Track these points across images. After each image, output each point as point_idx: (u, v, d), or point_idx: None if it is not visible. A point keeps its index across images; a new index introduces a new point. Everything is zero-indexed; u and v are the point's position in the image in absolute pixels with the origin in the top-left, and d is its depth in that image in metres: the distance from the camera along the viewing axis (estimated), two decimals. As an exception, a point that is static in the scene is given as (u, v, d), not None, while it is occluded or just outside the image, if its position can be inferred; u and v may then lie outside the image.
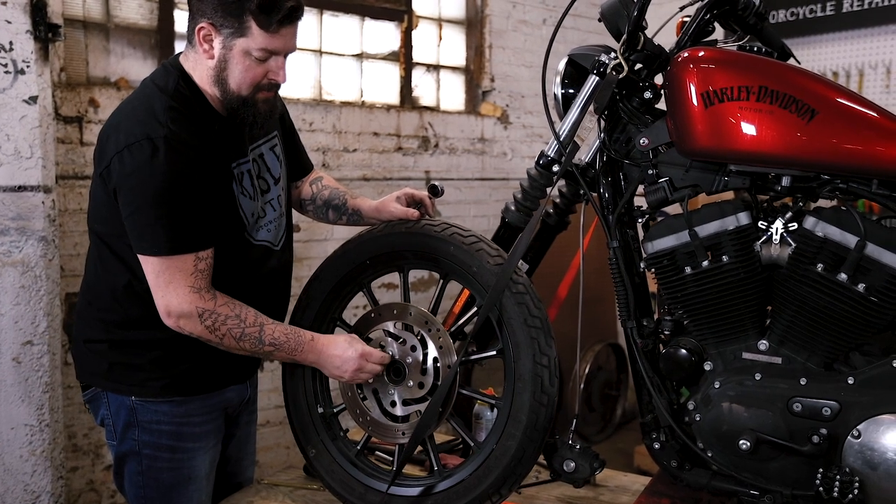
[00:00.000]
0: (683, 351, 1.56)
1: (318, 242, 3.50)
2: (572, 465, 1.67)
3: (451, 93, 4.19)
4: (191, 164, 1.51)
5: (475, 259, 1.64)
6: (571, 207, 1.82)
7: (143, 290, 1.58)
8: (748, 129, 1.44)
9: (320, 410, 1.83)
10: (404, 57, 3.93)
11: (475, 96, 4.23)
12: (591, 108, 1.63)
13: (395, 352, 1.70)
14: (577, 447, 1.68)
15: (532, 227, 1.62)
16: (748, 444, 1.39)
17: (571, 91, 1.71)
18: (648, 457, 3.74)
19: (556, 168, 1.70)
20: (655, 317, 1.68)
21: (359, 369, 1.64)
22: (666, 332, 1.61)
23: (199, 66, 1.59)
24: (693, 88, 1.48)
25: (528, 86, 4.32)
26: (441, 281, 1.74)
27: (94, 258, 1.67)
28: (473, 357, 1.69)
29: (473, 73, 4.22)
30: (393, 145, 3.75)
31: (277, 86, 1.63)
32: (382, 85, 3.90)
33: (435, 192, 1.78)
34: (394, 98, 3.93)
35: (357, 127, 3.62)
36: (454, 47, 4.20)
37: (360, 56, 3.80)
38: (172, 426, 1.67)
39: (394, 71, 3.94)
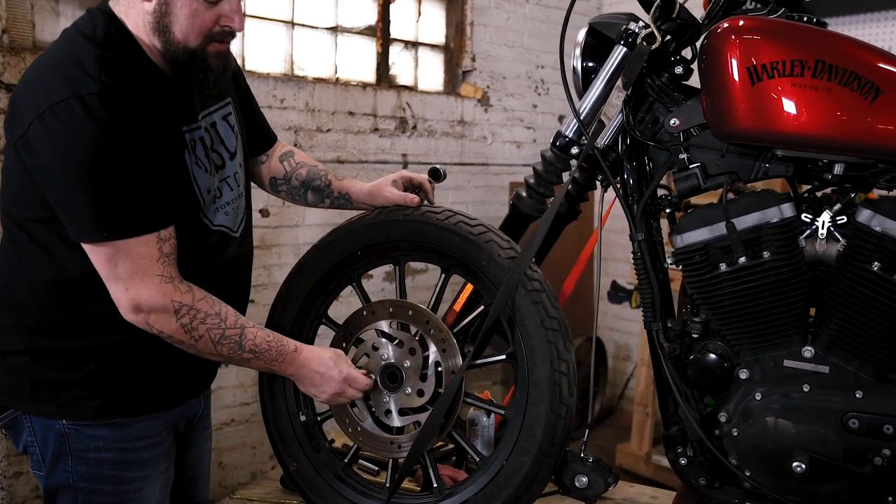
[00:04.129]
0: (715, 356, 1.40)
1: (288, 229, 3.27)
2: (585, 480, 1.50)
3: (429, 72, 3.97)
4: (134, 123, 1.23)
5: (484, 251, 1.46)
6: (584, 195, 1.64)
7: (73, 288, 1.31)
8: (800, 108, 1.28)
9: (303, 418, 1.63)
10: (381, 32, 3.70)
11: (455, 76, 4.02)
12: (619, 83, 1.44)
13: (391, 355, 1.50)
14: (591, 460, 1.51)
15: (550, 216, 1.44)
16: (803, 466, 1.23)
17: (592, 64, 1.53)
18: (631, 455, 3.67)
19: (574, 150, 1.52)
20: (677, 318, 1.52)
21: (339, 393, 1.45)
22: (694, 336, 1.45)
23: (133, 11, 1.30)
24: (735, 63, 1.32)
25: (510, 67, 4.13)
26: (443, 275, 1.55)
27: (9, 250, 1.37)
28: (480, 361, 1.50)
29: (453, 51, 4.01)
30: (369, 126, 3.53)
31: (232, 35, 1.35)
32: (358, 61, 3.66)
33: (437, 175, 1.58)
34: (370, 76, 3.70)
35: (331, 105, 3.38)
36: (434, 24, 3.98)
37: (334, 29, 3.55)
38: (114, 453, 1.37)
39: (370, 47, 3.71)
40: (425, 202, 1.56)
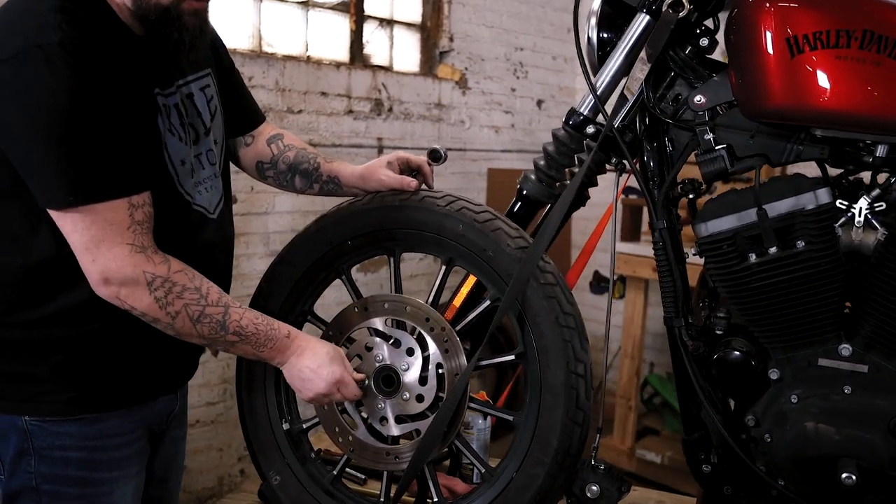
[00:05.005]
0: (741, 355, 1.29)
1: (257, 216, 3.08)
2: (596, 489, 1.37)
3: (405, 52, 3.80)
4: (101, 77, 1.09)
5: (490, 241, 1.31)
6: (594, 180, 1.51)
7: (39, 273, 1.17)
8: (845, 83, 1.16)
9: (285, 426, 1.47)
10: (355, 8, 3.51)
11: (431, 57, 3.85)
12: (643, 55, 1.31)
13: (386, 356, 1.36)
14: (602, 467, 1.39)
15: (567, 201, 1.30)
16: (854, 477, 1.12)
17: (608, 35, 1.39)
18: (613, 450, 3.58)
19: (590, 129, 1.38)
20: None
21: (325, 394, 1.29)
22: (717, 332, 1.34)
23: None
24: (771, 34, 1.19)
25: (489, 48, 3.98)
26: (443, 267, 1.40)
27: None
28: (485, 363, 1.36)
29: (430, 30, 3.84)
30: (343, 107, 3.34)
31: None
32: (330, 39, 3.47)
33: (436, 157, 1.43)
34: (343, 54, 3.51)
35: (303, 85, 3.19)
36: (409, 1, 3.80)
37: (305, 4, 3.35)
38: (82, 452, 1.25)
39: (343, 23, 3.51)
40: (423, 186, 1.41)
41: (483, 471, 1.36)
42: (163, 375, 1.34)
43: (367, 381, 1.34)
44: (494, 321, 1.29)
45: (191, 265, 1.22)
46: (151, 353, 1.27)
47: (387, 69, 3.64)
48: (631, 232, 3.47)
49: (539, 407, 1.29)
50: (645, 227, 3.75)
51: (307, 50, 3.36)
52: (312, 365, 1.27)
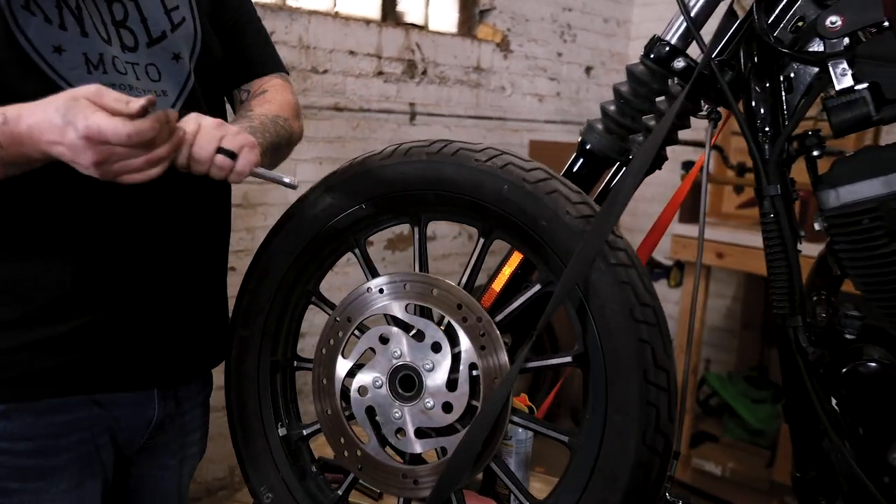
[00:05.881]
0: (882, 367, 0.96)
1: (277, 186, 2.79)
2: (671, 531, 1.07)
3: (442, 9, 3.46)
4: None
5: (544, 207, 1.00)
6: (674, 135, 1.18)
7: None
8: None
9: (282, 431, 1.19)
10: (389, -40, 3.20)
11: (471, 16, 3.51)
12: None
13: (405, 351, 1.06)
14: (675, 501, 1.08)
15: (646, 159, 0.98)
16: None
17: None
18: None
19: (679, 64, 1.05)
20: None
21: (100, 160, 0.85)
22: (848, 337, 1.01)
23: None
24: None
25: (534, 8, 3.63)
26: (482, 240, 1.09)
27: None
28: (534, 364, 1.06)
29: (470, -14, 3.51)
30: (372, 68, 3.03)
31: None
32: (360, -7, 3.17)
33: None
34: (374, 10, 3.19)
35: (329, 42, 2.89)
36: (448, -46, 3.47)
37: (334, -46, 3.05)
38: None
39: (375, -24, 3.21)
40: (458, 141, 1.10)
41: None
42: (109, 357, 1.06)
43: (156, 110, 0.87)
44: (547, 312, 0.98)
45: (129, 218, 0.96)
46: (82, 319, 1.01)
47: (421, 28, 3.31)
48: (690, 211, 3.11)
49: (604, 428, 0.98)
50: (707, 208, 3.39)
51: (335, 5, 3.06)
52: (52, 136, 0.85)
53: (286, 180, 0.99)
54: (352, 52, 2.97)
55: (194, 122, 0.93)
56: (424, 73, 3.22)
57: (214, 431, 3.02)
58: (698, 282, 1.16)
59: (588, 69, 3.98)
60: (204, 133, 0.92)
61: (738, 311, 3.87)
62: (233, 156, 0.93)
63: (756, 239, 3.07)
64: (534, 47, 3.66)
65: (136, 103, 0.84)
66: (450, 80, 3.33)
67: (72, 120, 0.83)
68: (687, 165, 3.14)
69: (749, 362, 3.85)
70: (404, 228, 3.36)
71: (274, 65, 1.28)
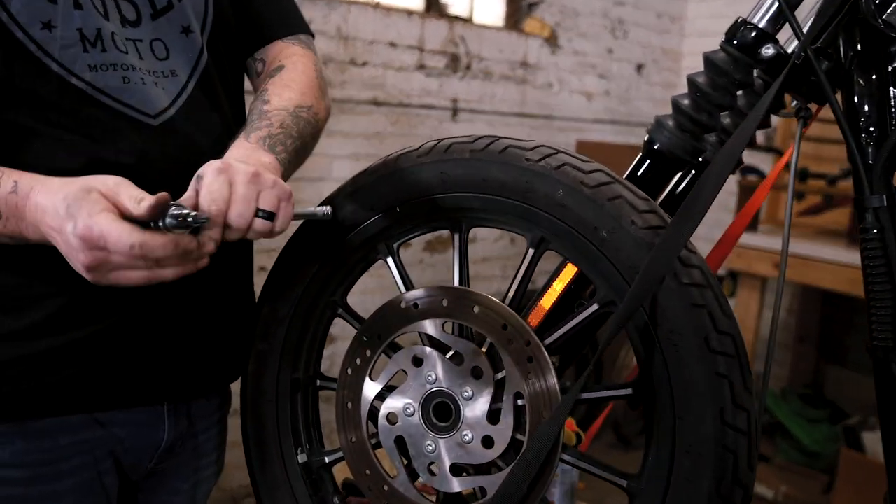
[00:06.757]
0: None
1: (310, 183, 2.70)
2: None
3: (488, 1, 3.33)
4: None
5: (606, 215, 0.87)
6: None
7: None
8: None
9: (302, 458, 1.07)
10: (433, -51, 3.08)
11: (518, 9, 3.37)
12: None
13: (440, 375, 0.93)
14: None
15: (728, 161, 0.83)
16: None
17: None
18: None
19: (768, 51, 0.90)
20: None
21: (93, 266, 0.75)
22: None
23: None
24: None
25: (584, 2, 3.48)
26: (531, 251, 0.96)
27: None
28: (589, 396, 0.92)
29: (518, -22, 3.37)
30: (414, 61, 2.92)
31: None
32: (403, -17, 3.06)
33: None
34: (417, 1, 3.08)
35: (369, 33, 2.78)
36: (495, -56, 3.34)
37: (376, -57, 2.94)
38: None
39: (418, -34, 3.09)
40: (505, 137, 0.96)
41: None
42: (110, 374, 0.95)
43: (172, 206, 0.76)
44: (607, 336, 0.84)
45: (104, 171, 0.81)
46: (75, 333, 0.91)
47: (466, 20, 3.19)
48: (747, 219, 2.92)
49: (671, 474, 0.84)
50: (763, 215, 3.19)
51: (377, -5, 2.96)
52: (54, 223, 0.76)
53: (319, 213, 0.95)
54: (392, 45, 2.85)
55: (224, 184, 0.79)
56: (468, 67, 3.09)
57: (239, 437, 2.92)
58: (780, 299, 1.01)
59: (639, 67, 3.81)
60: (239, 198, 0.79)
61: (792, 324, 3.66)
62: (271, 216, 0.82)
63: (816, 249, 2.87)
64: (583, 43, 3.51)
65: (146, 203, 0.73)
66: (494, 76, 3.19)
67: (74, 214, 0.73)
68: (745, 170, 2.95)
69: (803, 378, 3.64)
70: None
71: (290, 25, 1.12)
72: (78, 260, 0.74)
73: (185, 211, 0.76)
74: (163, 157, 0.90)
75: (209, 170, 0.80)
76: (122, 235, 0.72)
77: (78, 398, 0.93)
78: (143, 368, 0.98)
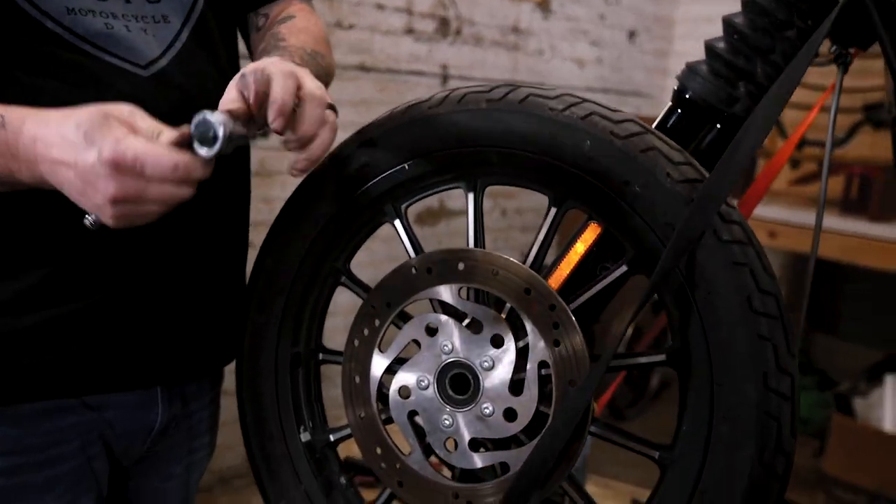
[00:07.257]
0: None
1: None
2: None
3: (478, -36, 3.23)
4: None
5: (639, 167, 0.80)
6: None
7: None
8: None
9: (305, 437, 1.00)
10: None
11: (509, -28, 3.27)
12: None
13: (457, 345, 0.86)
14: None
15: (776, 107, 0.76)
16: None
17: None
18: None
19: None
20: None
21: (125, 196, 0.67)
22: None
23: None
24: None
25: (576, -37, 3.38)
26: (553, 210, 0.89)
27: None
28: (622, 363, 0.86)
29: (508, -61, 3.26)
30: (402, 25, 2.81)
31: None
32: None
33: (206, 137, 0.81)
34: (404, -37, 2.97)
35: (355, -5, 2.68)
36: None
37: None
38: None
39: (406, -74, 2.97)
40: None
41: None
42: (99, 356, 0.88)
43: (197, 144, 0.70)
44: (643, 298, 0.78)
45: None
46: (61, 312, 0.84)
47: (455, -17, 3.08)
48: (742, 189, 2.88)
49: (708, 443, 0.78)
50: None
51: (362, -45, 2.84)
52: (65, 156, 0.67)
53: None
54: (379, 6, 2.75)
55: (292, 77, 0.74)
56: (458, 32, 3.00)
57: (229, 417, 2.84)
58: (812, 271, 0.95)
59: (631, 34, 3.73)
60: (313, 96, 0.77)
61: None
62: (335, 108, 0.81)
63: (810, 217, 2.84)
64: (576, 8, 3.42)
65: (169, 134, 0.68)
66: (485, 41, 3.10)
67: (96, 140, 0.65)
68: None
69: (793, 346, 3.63)
70: (433, 201, 3.17)
71: None
72: (105, 191, 0.66)
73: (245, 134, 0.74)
74: (157, 113, 0.82)
75: (275, 70, 0.74)
76: (163, 157, 0.65)
77: (66, 380, 0.85)
78: (135, 348, 0.90)
